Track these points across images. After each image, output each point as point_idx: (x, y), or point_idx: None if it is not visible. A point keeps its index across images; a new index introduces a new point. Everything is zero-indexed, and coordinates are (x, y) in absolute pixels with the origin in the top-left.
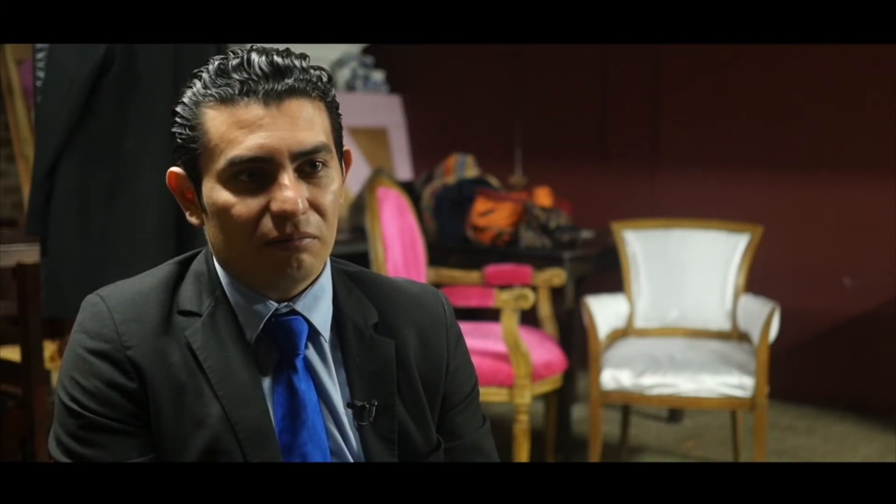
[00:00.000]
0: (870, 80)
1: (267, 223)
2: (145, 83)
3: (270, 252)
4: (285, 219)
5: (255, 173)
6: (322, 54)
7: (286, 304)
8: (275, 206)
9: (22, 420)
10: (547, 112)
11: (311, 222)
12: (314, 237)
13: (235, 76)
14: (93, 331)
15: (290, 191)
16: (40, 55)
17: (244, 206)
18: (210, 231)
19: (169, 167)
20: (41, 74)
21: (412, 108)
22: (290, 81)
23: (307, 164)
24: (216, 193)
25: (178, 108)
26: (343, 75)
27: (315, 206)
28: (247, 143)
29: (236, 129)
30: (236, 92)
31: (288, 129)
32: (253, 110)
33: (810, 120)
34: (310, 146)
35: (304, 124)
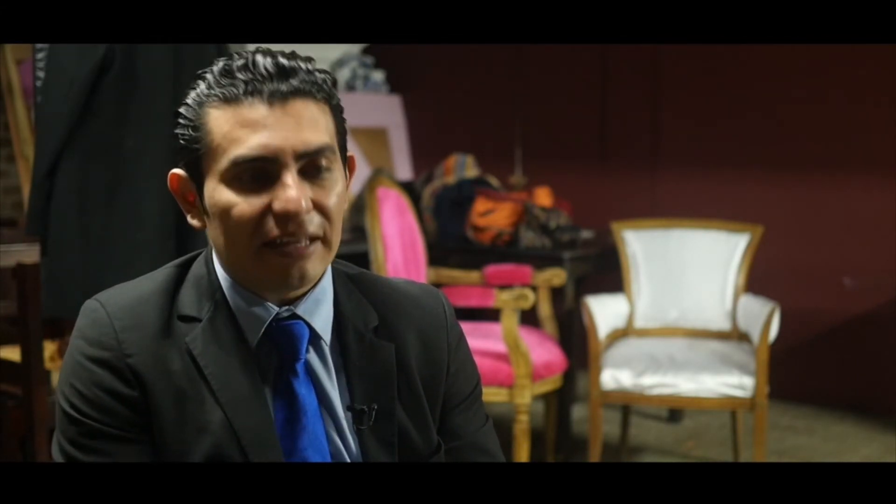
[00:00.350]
0: (870, 80)
1: (269, 222)
2: (145, 83)
3: (271, 256)
4: (287, 218)
5: (259, 173)
6: (322, 54)
7: (287, 308)
8: (277, 206)
9: (22, 420)
10: (547, 112)
11: (315, 222)
12: (317, 238)
13: (240, 76)
14: (92, 338)
15: (292, 190)
16: (40, 55)
17: (247, 205)
18: (212, 233)
19: (169, 167)
20: (41, 74)
21: (412, 108)
22: (294, 82)
23: (311, 166)
24: (218, 193)
25: (182, 109)
26: (343, 75)
27: (318, 207)
28: (250, 143)
29: (240, 128)
30: (241, 92)
31: (292, 129)
32: (257, 110)
33: (810, 120)
34: (314, 147)
35: (309, 125)
